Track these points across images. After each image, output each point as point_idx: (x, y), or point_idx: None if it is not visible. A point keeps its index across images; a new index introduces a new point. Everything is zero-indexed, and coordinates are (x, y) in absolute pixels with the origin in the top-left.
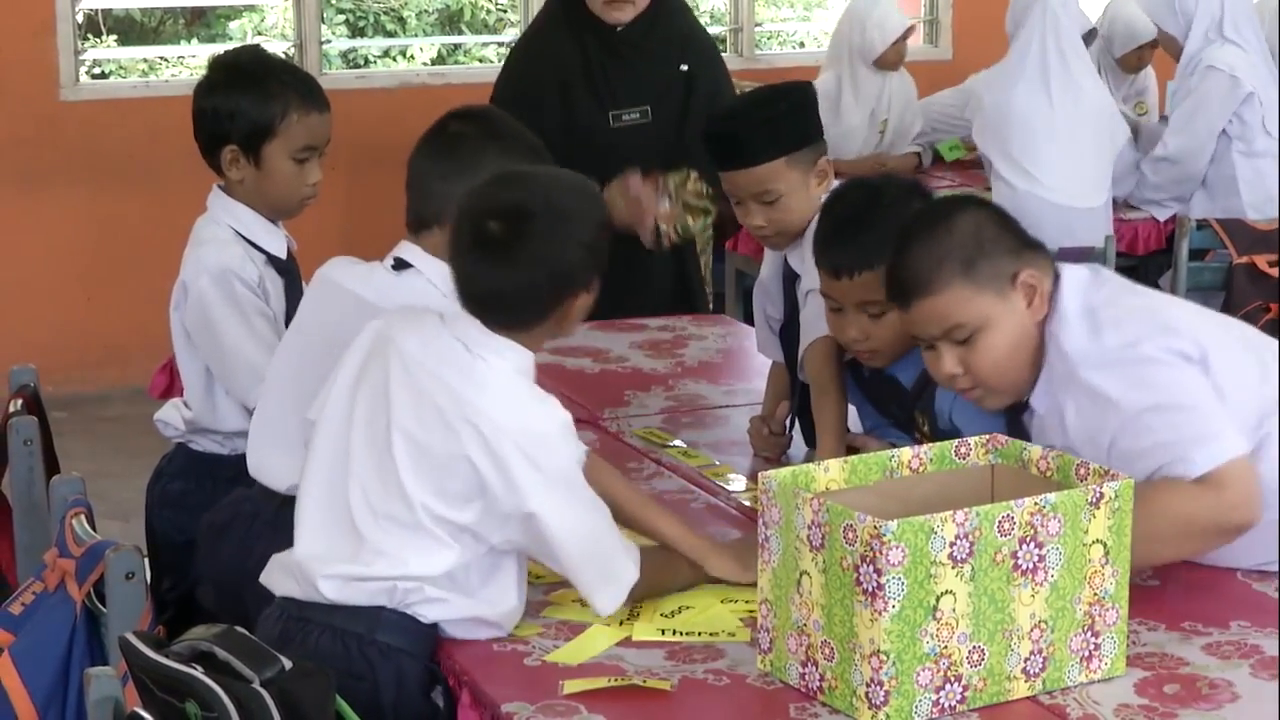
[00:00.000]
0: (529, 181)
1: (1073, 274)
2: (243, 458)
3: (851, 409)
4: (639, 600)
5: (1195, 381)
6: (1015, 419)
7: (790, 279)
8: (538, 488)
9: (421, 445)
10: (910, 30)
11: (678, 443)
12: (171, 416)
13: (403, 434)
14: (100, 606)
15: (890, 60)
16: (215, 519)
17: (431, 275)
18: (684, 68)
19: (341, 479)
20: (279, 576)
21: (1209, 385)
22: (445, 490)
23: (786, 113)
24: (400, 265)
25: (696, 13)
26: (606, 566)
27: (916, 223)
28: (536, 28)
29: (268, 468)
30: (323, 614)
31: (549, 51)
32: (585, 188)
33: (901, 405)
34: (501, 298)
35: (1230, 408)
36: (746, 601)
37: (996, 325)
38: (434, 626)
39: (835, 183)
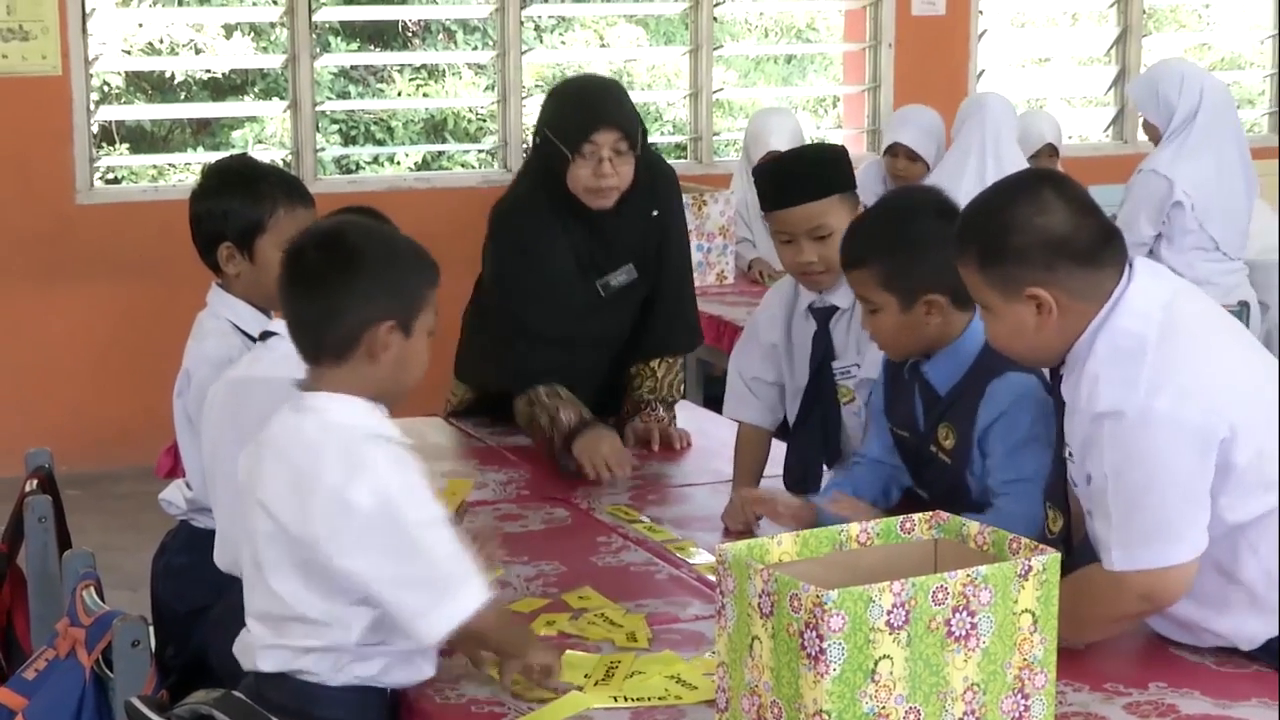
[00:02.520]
0: (350, 220)
1: (1142, 286)
2: None
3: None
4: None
5: (1186, 467)
6: (1059, 385)
7: (825, 315)
8: (339, 548)
9: (282, 531)
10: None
11: (644, 519)
12: (174, 496)
13: (270, 527)
14: (108, 672)
15: None
16: (222, 602)
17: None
18: (655, 213)
19: (257, 574)
20: (240, 651)
21: (1205, 472)
22: (315, 580)
23: (833, 159)
24: (265, 335)
25: (660, 124)
26: (424, 601)
27: (987, 193)
28: (523, 202)
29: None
30: (274, 692)
31: (535, 232)
32: (408, 239)
33: (931, 408)
34: (309, 322)
35: (1234, 485)
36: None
37: (998, 317)
38: (379, 694)
39: None
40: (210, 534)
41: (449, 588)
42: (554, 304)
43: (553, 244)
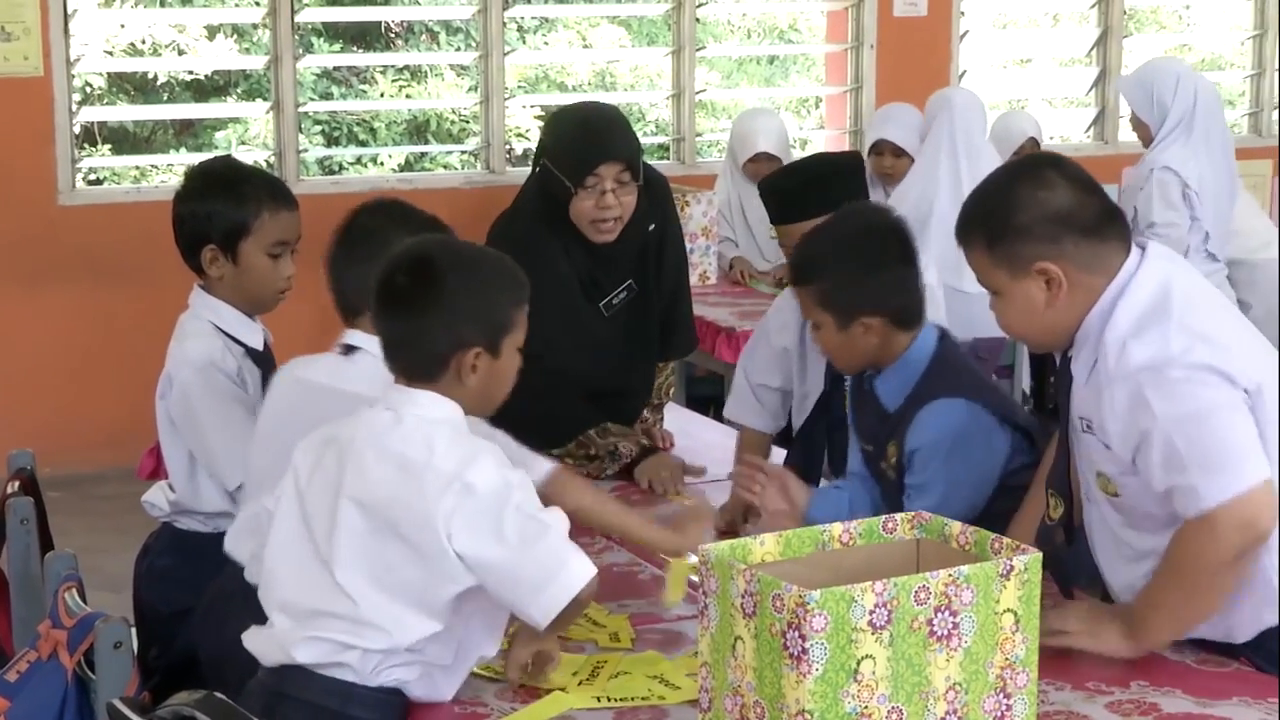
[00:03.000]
0: (441, 241)
1: (1156, 265)
2: (223, 536)
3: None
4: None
5: (1231, 401)
6: (1066, 369)
7: None
8: (457, 527)
9: (370, 521)
10: (771, 158)
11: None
12: (157, 498)
13: (356, 509)
14: (90, 674)
15: (750, 174)
16: (208, 594)
17: (377, 352)
18: (651, 228)
19: (319, 568)
20: (261, 645)
21: (1246, 410)
22: (387, 563)
23: (833, 174)
24: (348, 349)
25: (643, 125)
26: (542, 574)
27: (989, 179)
28: (522, 226)
29: (240, 550)
30: (298, 689)
31: (538, 257)
32: (498, 258)
33: (882, 424)
34: (400, 344)
35: (1267, 449)
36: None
37: (1007, 297)
38: (404, 699)
39: None
40: (192, 535)
41: (562, 564)
42: (563, 328)
43: (555, 266)
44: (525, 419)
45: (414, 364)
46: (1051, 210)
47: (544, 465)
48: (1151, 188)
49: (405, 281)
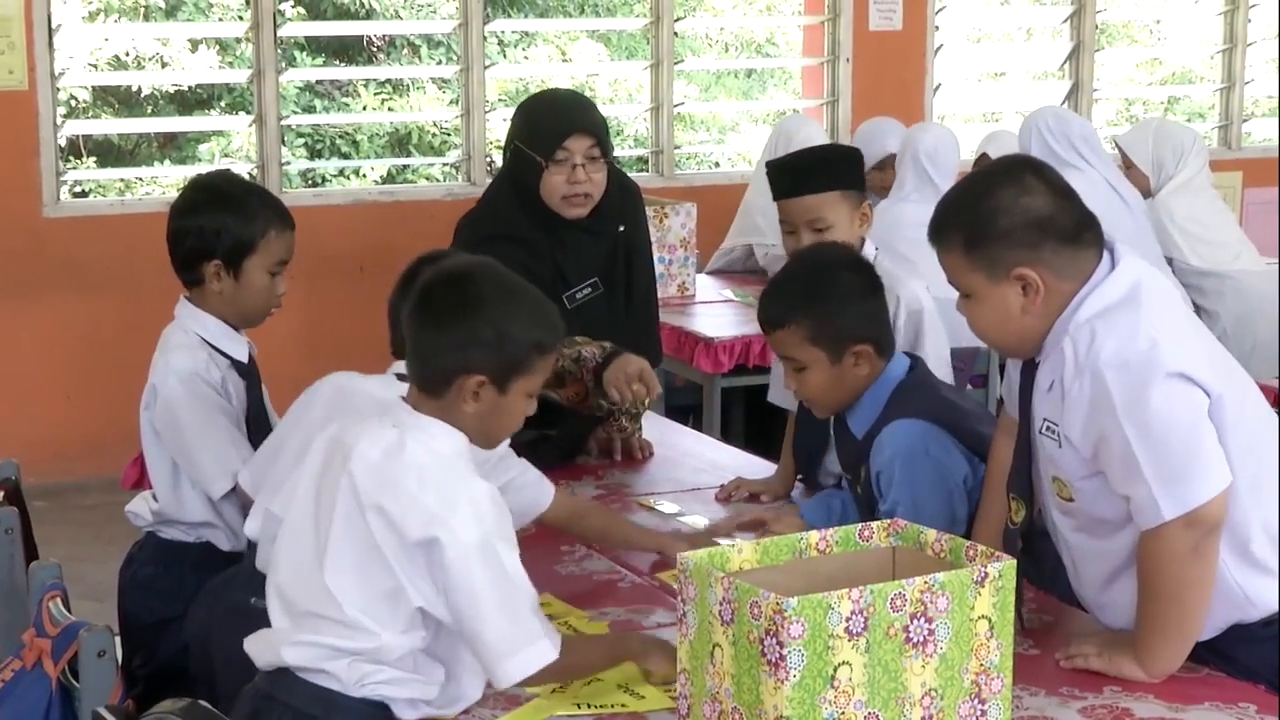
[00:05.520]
0: (488, 265)
1: (1129, 266)
2: (206, 545)
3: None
4: (550, 682)
5: (1193, 408)
6: (1027, 371)
7: None
8: (454, 552)
9: (372, 536)
10: None
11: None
12: (141, 508)
13: (354, 525)
14: (74, 682)
15: None
16: (220, 605)
17: None
18: (621, 229)
19: (315, 567)
20: (258, 646)
21: (1207, 416)
22: (373, 583)
23: (843, 158)
24: (400, 378)
25: (622, 138)
26: (515, 640)
27: (968, 179)
28: (490, 214)
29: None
30: (285, 693)
31: (506, 241)
32: (539, 300)
33: (855, 451)
34: (415, 353)
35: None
36: (634, 688)
37: (982, 300)
38: (390, 716)
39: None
40: (176, 545)
41: (530, 640)
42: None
43: (520, 253)
44: None
45: (422, 376)
46: (1032, 216)
47: (547, 492)
48: None
49: (440, 294)
